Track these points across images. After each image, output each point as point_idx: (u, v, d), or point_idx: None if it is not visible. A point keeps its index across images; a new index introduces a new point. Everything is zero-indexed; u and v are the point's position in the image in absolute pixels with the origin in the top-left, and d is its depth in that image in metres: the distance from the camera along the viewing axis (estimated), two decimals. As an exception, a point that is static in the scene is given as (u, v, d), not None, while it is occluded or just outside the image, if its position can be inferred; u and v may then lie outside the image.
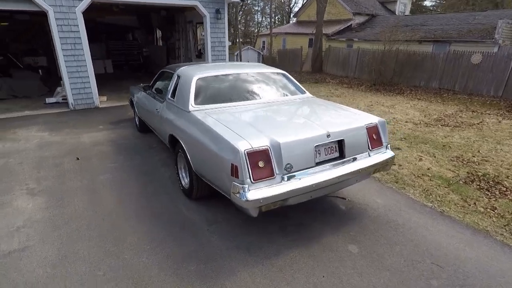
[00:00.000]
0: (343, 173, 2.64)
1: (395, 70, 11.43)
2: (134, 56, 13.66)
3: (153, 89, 4.51)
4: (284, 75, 4.09)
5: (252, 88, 3.67)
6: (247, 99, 3.47)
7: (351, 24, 19.56)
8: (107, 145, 5.06)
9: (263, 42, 25.07)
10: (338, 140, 2.73)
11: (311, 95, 3.95)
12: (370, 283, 2.23)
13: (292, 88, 3.96)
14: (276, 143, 2.41)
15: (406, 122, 6.84)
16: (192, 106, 3.18)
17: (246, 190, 2.25)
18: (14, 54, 9.80)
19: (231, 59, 18.37)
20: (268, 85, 3.82)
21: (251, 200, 2.22)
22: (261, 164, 2.34)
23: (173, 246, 2.60)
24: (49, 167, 4.18)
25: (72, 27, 6.44)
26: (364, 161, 2.84)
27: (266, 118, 3.06)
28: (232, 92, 3.50)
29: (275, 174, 2.39)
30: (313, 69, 17.97)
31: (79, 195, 3.44)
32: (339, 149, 2.76)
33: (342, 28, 19.25)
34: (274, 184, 2.37)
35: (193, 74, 3.52)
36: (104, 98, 8.05)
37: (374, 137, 2.99)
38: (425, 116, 7.45)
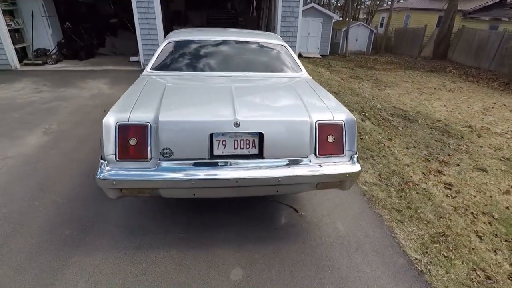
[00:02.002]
0: (247, 177, 2.00)
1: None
2: (229, 25, 14.09)
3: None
4: (282, 48, 3.35)
5: (229, 59, 3.15)
6: (213, 70, 3.00)
7: (504, -1, 14.82)
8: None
9: (382, 18, 21.78)
10: (259, 133, 2.06)
11: (306, 76, 3.12)
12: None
13: (285, 64, 3.22)
14: (157, 121, 1.98)
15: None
16: (147, 70, 2.97)
17: (104, 167, 1.96)
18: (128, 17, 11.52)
19: (337, 36, 16.85)
20: (253, 58, 3.22)
21: (103, 179, 1.93)
22: (132, 141, 1.98)
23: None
24: (80, 114, 4.82)
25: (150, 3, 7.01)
26: (295, 169, 2.08)
27: (197, 93, 2.56)
28: (200, 61, 3.09)
29: (149, 157, 2.00)
30: (435, 55, 14.75)
31: (73, 141, 3.83)
32: (259, 146, 2.09)
33: (489, 3, 14.74)
34: (146, 169, 1.99)
35: (169, 37, 3.26)
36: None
37: (329, 140, 2.14)
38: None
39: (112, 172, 1.95)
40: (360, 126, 5.27)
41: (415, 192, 3.27)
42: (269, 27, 10.55)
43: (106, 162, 1.96)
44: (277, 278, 1.98)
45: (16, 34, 7.66)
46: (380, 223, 2.59)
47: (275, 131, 2.07)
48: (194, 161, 2.03)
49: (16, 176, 3.02)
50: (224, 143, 2.05)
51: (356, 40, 17.41)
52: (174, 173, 1.98)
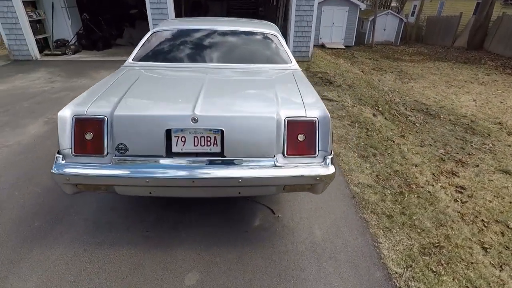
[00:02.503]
0: (204, 177, 1.87)
1: None
2: (249, 15, 13.80)
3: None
4: (273, 37, 3.13)
5: (213, 49, 2.99)
6: (195, 61, 2.87)
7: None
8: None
9: (414, 6, 20.34)
10: (221, 130, 1.90)
11: (295, 68, 2.90)
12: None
13: (273, 55, 3.01)
14: (112, 115, 1.89)
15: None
16: (128, 61, 2.89)
17: (59, 161, 1.91)
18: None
19: (364, 25, 16.00)
20: (239, 48, 3.04)
21: (57, 174, 1.88)
22: (88, 136, 1.91)
23: (54, 198, 2.60)
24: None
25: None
26: (258, 170, 1.91)
27: (166, 85, 2.45)
28: (182, 51, 2.96)
29: (105, 152, 1.91)
30: (469, 45, 13.64)
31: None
32: (221, 143, 1.93)
33: (537, -14, 13.27)
34: (101, 164, 1.91)
35: (155, 27, 3.16)
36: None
37: (299, 138, 1.95)
38: None
39: (67, 167, 1.89)
40: (369, 121, 4.94)
41: (415, 195, 2.98)
42: (286, 17, 10.20)
43: (61, 156, 1.91)
44: (233, 286, 1.84)
45: (38, 25, 7.97)
46: (363, 230, 2.36)
47: (237, 128, 1.91)
48: (149, 158, 1.92)
49: (7, 165, 3.10)
50: (183, 139, 1.92)
51: (384, 29, 16.44)
52: (128, 170, 1.88)
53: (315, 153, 1.98)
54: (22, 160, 3.19)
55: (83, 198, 2.55)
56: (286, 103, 2.07)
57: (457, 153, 4.22)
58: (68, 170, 1.87)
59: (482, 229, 2.65)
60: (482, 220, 2.77)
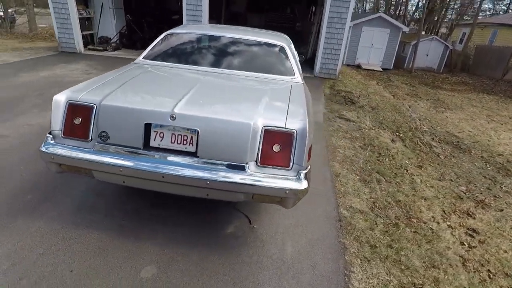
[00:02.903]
0: (174, 174, 1.90)
1: None
2: (285, 30, 13.96)
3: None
4: (281, 49, 3.14)
5: (219, 54, 3.08)
6: (198, 64, 2.96)
7: None
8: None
9: (463, 33, 19.29)
10: (197, 130, 1.94)
11: (297, 81, 2.88)
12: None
13: (277, 65, 3.03)
14: (100, 104, 2.00)
15: None
16: (139, 59, 3.06)
17: (48, 140, 2.05)
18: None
19: (405, 49, 15.49)
20: (244, 56, 3.09)
21: (44, 152, 2.02)
22: (77, 121, 2.04)
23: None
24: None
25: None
26: (227, 174, 1.91)
27: (161, 83, 2.56)
28: (189, 54, 3.08)
29: (89, 137, 2.03)
30: (521, 80, 12.66)
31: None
32: (196, 143, 1.97)
33: None
34: (84, 148, 2.03)
35: (170, 30, 3.32)
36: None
37: (275, 149, 1.92)
38: None
39: (54, 146, 2.03)
40: (384, 146, 4.72)
41: (412, 230, 2.78)
42: (319, 33, 10.21)
43: (51, 136, 2.05)
44: (185, 286, 1.83)
45: (86, 22, 8.72)
46: (338, 255, 2.24)
47: (212, 130, 1.93)
48: (127, 149, 2.00)
49: (23, 142, 3.38)
50: (161, 135, 1.98)
51: (427, 55, 15.81)
52: (105, 157, 1.97)
53: (289, 166, 1.94)
54: (39, 139, 3.46)
55: (76, 181, 2.71)
56: (269, 112, 2.06)
57: (481, 193, 3.89)
58: (53, 150, 2.00)
59: (485, 280, 2.40)
60: (489, 270, 2.52)
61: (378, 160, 4.21)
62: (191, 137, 1.96)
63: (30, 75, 6.14)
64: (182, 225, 2.35)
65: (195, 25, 3.65)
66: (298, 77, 2.93)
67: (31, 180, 2.70)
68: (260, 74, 2.87)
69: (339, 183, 3.27)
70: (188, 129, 1.95)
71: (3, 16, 13.53)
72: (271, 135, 1.94)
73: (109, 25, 9.13)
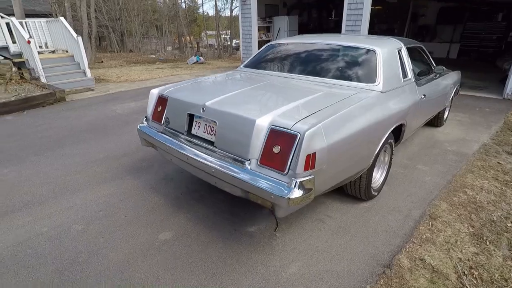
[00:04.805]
0: (192, 157, 2.19)
1: None
2: (492, 41, 10.69)
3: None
4: (370, 53, 2.72)
5: (305, 61, 3.06)
6: (282, 70, 3.09)
7: None
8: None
9: None
10: (216, 122, 2.16)
11: (375, 89, 2.46)
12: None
13: (356, 71, 2.68)
14: (169, 95, 2.59)
15: None
16: (239, 66, 3.53)
17: (143, 121, 2.84)
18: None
19: None
20: (330, 62, 2.91)
21: (138, 129, 2.80)
22: (159, 109, 2.71)
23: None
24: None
25: (358, 4, 7.15)
26: (227, 166, 2.01)
27: (232, 85, 2.85)
28: (278, 62, 3.25)
29: (162, 121, 2.65)
30: None
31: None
32: (215, 134, 2.18)
33: None
34: (156, 129, 2.67)
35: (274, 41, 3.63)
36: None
37: (274, 150, 1.86)
38: None
39: (143, 126, 2.80)
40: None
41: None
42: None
43: (145, 119, 2.84)
44: (182, 253, 2.07)
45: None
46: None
47: (225, 123, 2.09)
48: (176, 133, 2.46)
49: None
50: (199, 125, 2.33)
51: None
52: (162, 136, 2.53)
53: (284, 170, 1.79)
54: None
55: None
56: (287, 113, 1.97)
57: None
58: (141, 128, 2.77)
59: None
60: None
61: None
62: (213, 127, 2.18)
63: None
64: (214, 211, 2.57)
65: (301, 36, 3.76)
66: (379, 84, 2.49)
67: (146, 152, 3.70)
68: (328, 80, 2.67)
69: (427, 227, 2.44)
70: (212, 121, 2.18)
71: (228, 44, 18.34)
72: (274, 135, 1.85)
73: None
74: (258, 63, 3.35)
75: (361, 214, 2.56)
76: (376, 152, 2.36)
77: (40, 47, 8.70)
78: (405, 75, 2.85)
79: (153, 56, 18.69)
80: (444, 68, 3.54)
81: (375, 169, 2.78)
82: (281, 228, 2.38)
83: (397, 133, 2.83)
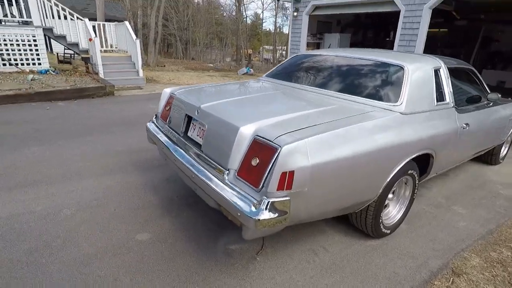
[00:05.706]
0: (178, 159, 2.08)
1: None
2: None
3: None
4: (397, 71, 2.36)
5: (326, 74, 2.81)
6: (299, 82, 2.88)
7: None
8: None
9: None
10: (205, 125, 2.03)
11: (396, 109, 2.12)
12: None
13: (378, 89, 2.34)
14: (174, 95, 2.56)
15: None
16: (263, 76, 3.38)
17: (153, 119, 2.84)
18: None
19: None
20: (353, 77, 2.62)
21: (146, 126, 2.79)
22: (167, 108, 2.68)
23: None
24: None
25: (414, 24, 6.59)
26: (205, 173, 1.86)
27: (241, 91, 2.75)
28: (298, 74, 3.05)
29: (167, 120, 2.60)
30: None
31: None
32: (203, 138, 2.05)
33: None
34: (161, 127, 2.64)
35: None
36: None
37: (253, 163, 1.67)
38: None
39: (150, 123, 2.79)
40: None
41: None
42: None
43: (155, 117, 2.84)
44: (163, 259, 1.94)
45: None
46: None
47: (213, 128, 1.96)
48: (175, 133, 2.39)
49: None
50: (194, 127, 2.22)
51: None
52: (161, 134, 2.49)
53: (257, 186, 1.58)
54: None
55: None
56: (276, 124, 1.76)
57: None
58: (147, 125, 2.76)
59: None
60: None
61: None
62: (203, 131, 2.06)
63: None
64: (204, 217, 2.41)
65: (331, 49, 3.52)
66: (401, 104, 2.14)
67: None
68: (345, 95, 2.38)
69: (446, 284, 1.97)
70: (203, 124, 2.06)
71: (283, 59, 18.65)
72: (256, 146, 1.66)
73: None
74: (279, 73, 3.18)
75: (364, 253, 2.19)
76: (386, 182, 2.00)
77: (111, 46, 9.68)
78: (441, 98, 2.43)
79: (211, 64, 19.62)
80: (499, 95, 2.98)
81: (390, 203, 2.39)
82: (266, 252, 2.13)
83: (424, 164, 2.41)
